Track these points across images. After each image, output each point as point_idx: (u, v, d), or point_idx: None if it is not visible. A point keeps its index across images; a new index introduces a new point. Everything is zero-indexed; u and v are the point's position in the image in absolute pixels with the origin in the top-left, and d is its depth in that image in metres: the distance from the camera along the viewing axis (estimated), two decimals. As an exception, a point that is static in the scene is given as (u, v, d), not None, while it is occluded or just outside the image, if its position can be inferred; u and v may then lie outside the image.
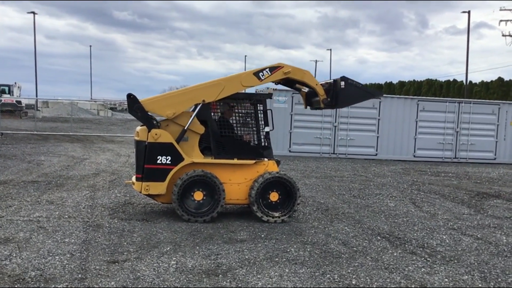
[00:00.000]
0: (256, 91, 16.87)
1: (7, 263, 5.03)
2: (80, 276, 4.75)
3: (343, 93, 7.50)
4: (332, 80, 7.68)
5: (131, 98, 7.15)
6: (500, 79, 45.93)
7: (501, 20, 43.73)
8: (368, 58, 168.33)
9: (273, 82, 7.78)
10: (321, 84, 7.74)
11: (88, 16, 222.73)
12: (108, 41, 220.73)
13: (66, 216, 7.13)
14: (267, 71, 7.46)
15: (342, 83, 7.48)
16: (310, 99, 8.14)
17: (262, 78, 7.45)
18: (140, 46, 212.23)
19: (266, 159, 7.55)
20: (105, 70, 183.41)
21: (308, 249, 5.99)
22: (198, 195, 7.15)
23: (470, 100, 21.02)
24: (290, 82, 7.97)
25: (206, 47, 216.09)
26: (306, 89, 8.12)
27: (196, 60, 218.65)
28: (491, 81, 47.25)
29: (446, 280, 5.13)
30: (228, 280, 4.82)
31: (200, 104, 7.25)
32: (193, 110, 7.36)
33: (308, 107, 8.42)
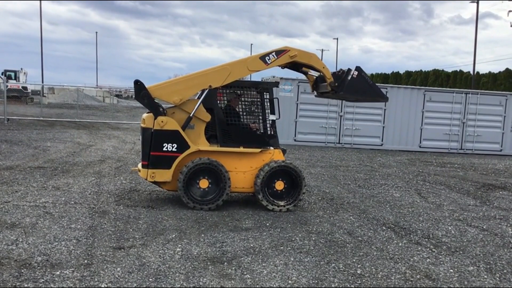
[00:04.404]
0: (262, 80, 16.85)
1: (14, 248, 5.06)
2: (86, 262, 4.77)
3: (352, 82, 7.42)
4: (347, 68, 7.62)
5: (138, 84, 7.13)
6: (507, 71, 45.39)
7: (509, 11, 43.12)
8: (372, 47, 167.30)
9: (279, 66, 7.69)
10: (334, 72, 7.69)
11: (89, 2, 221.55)
12: (110, 27, 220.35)
13: (72, 202, 7.16)
14: (273, 55, 7.39)
15: (356, 72, 7.40)
16: (318, 85, 8.08)
17: (269, 62, 7.38)
18: (143, 33, 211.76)
19: (272, 148, 7.53)
20: (109, 57, 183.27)
21: (313, 238, 6.00)
22: (204, 183, 7.15)
23: (477, 91, 20.86)
24: (296, 66, 7.88)
25: (209, 34, 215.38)
26: (313, 73, 8.05)
27: (200, 48, 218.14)
28: (499, 72, 46.77)
29: (452, 271, 5.13)
30: (233, 268, 4.83)
31: (207, 90, 7.23)
32: (199, 97, 7.34)
33: (315, 92, 8.36)
